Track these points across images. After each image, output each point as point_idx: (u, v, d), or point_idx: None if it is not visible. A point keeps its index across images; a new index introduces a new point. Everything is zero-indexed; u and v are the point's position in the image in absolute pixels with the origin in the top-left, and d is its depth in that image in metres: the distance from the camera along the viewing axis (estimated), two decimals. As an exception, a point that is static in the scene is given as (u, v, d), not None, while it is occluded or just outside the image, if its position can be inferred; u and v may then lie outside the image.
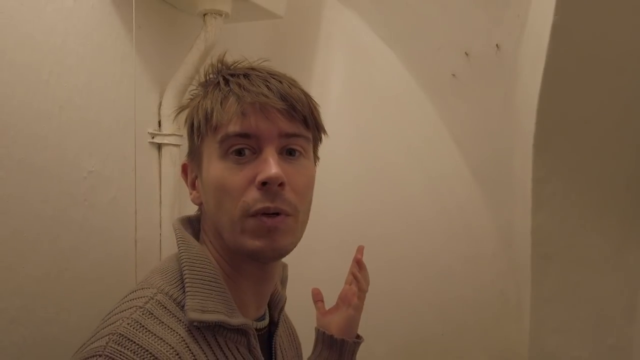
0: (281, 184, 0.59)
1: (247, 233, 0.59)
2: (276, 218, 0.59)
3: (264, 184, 0.58)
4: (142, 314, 0.54)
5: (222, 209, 0.59)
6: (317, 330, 0.86)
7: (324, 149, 1.26)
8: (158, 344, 0.53)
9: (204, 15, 0.94)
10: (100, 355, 0.50)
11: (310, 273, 1.28)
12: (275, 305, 0.72)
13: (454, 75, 1.18)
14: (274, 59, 1.28)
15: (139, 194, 0.88)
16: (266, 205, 0.58)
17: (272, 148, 0.60)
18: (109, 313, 0.57)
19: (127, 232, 0.86)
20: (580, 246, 1.00)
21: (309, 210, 0.64)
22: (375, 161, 1.25)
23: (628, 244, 0.98)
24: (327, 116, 1.27)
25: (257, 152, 0.60)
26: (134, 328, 0.53)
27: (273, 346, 0.69)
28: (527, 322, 1.06)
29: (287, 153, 0.62)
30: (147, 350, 0.51)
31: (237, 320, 0.59)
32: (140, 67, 0.90)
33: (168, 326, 0.55)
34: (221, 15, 0.95)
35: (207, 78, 0.65)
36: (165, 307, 0.56)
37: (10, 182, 0.68)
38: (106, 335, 0.52)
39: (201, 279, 0.59)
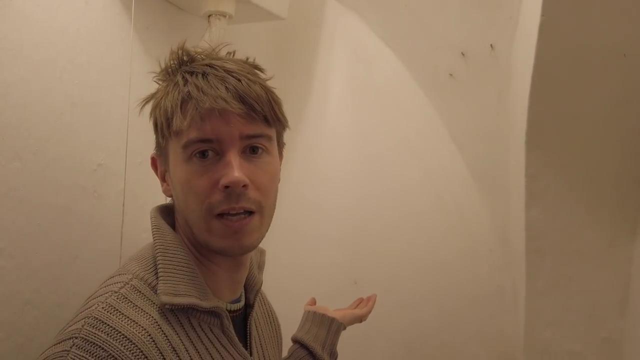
0: (244, 186, 0.61)
1: (213, 233, 0.62)
2: (242, 220, 0.62)
3: (227, 187, 0.60)
4: (117, 299, 0.58)
5: (189, 207, 0.62)
6: (308, 311, 0.92)
7: (325, 150, 1.29)
8: (131, 326, 0.56)
9: (209, 16, 0.98)
10: (76, 338, 0.54)
11: (309, 266, 1.31)
12: (250, 288, 0.75)
13: (451, 74, 1.20)
14: (276, 59, 1.34)
15: (146, 187, 0.92)
16: (231, 206, 0.61)
17: (234, 150, 0.61)
18: (88, 298, 0.60)
19: (134, 223, 0.90)
20: (572, 240, 1.02)
21: (274, 203, 0.67)
22: (375, 157, 1.28)
23: (620, 237, 0.99)
24: (329, 114, 1.33)
25: (220, 153, 0.62)
26: (107, 311, 0.56)
27: (248, 327, 0.72)
28: (522, 316, 1.08)
29: (250, 151, 0.63)
30: (119, 332, 0.55)
31: (208, 303, 0.62)
32: (148, 65, 0.94)
33: (142, 309, 0.58)
34: (225, 16, 0.99)
35: (169, 68, 0.66)
36: (140, 292, 0.59)
37: (25, 173, 0.73)
38: (82, 319, 0.56)
39: (173, 265, 0.62)
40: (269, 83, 0.68)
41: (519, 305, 1.11)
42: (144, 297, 0.59)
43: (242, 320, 0.72)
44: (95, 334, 0.54)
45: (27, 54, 0.73)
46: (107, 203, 0.85)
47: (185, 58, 0.65)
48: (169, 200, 0.70)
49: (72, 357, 0.53)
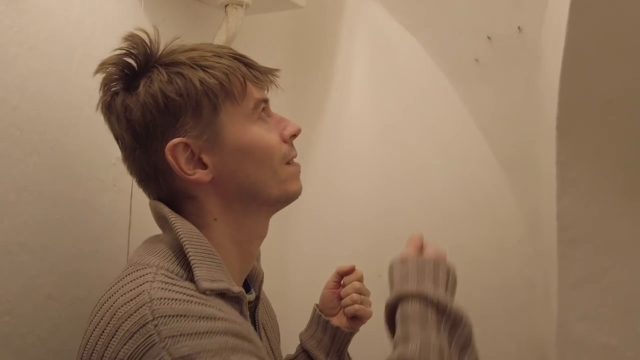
0: None
1: (289, 179, 0.69)
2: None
3: (294, 135, 0.70)
4: (161, 284, 0.55)
5: (263, 166, 0.66)
6: (315, 310, 0.87)
7: (348, 138, 1.28)
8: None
9: (226, 6, 0.97)
10: (152, 282, 0.55)
11: (332, 257, 1.29)
12: (254, 280, 0.75)
13: (476, 60, 1.16)
14: (295, 49, 1.32)
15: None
16: (295, 152, 0.71)
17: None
18: (103, 302, 0.57)
19: (148, 215, 0.90)
20: (607, 230, 0.97)
21: None
22: (400, 150, 1.25)
23: (657, 227, 0.95)
24: (351, 104, 1.30)
25: (267, 114, 0.70)
26: (167, 289, 0.55)
27: (257, 318, 0.73)
28: (554, 309, 1.05)
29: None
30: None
31: (236, 288, 0.62)
32: (165, 58, 0.93)
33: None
34: (242, 6, 0.97)
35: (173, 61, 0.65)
36: (174, 280, 0.57)
37: (44, 167, 0.73)
38: (140, 307, 0.53)
39: (203, 252, 0.61)
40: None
41: (551, 299, 1.07)
42: (179, 285, 0.57)
43: (251, 313, 0.72)
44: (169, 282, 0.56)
45: (42, 47, 0.73)
46: (126, 197, 0.85)
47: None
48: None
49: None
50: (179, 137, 0.62)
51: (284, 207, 0.71)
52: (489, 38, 1.14)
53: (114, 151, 0.83)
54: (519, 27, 1.10)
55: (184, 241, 0.60)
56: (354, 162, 1.29)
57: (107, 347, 0.53)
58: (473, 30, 1.16)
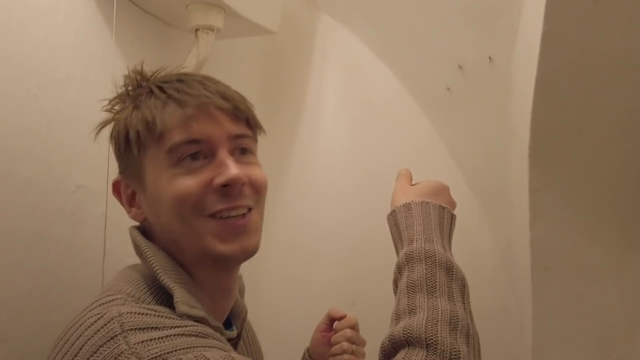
0: (243, 184, 0.59)
1: (212, 237, 0.58)
2: (242, 219, 0.59)
3: (224, 186, 0.58)
4: (131, 308, 0.51)
5: (181, 218, 0.58)
6: (305, 355, 0.84)
7: (320, 162, 1.26)
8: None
9: (196, 30, 0.94)
10: (122, 305, 0.51)
11: (306, 285, 1.26)
12: (237, 316, 0.70)
13: (448, 88, 1.17)
14: (267, 75, 1.31)
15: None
16: (230, 204, 0.58)
17: (224, 151, 0.59)
18: (68, 330, 0.52)
19: (117, 248, 0.85)
20: (580, 258, 0.98)
21: (264, 208, 0.65)
22: (371, 175, 1.24)
23: (629, 254, 0.96)
24: (323, 131, 1.29)
25: (209, 156, 0.59)
26: (137, 309, 0.51)
27: None
28: (529, 337, 1.03)
29: (240, 152, 0.62)
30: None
31: (214, 322, 0.57)
32: (131, 82, 0.90)
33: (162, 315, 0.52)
34: (213, 30, 0.95)
35: (128, 90, 0.64)
36: (144, 304, 0.54)
37: (-5, 197, 0.68)
38: (107, 322, 0.49)
39: (178, 280, 0.57)
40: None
41: (525, 326, 1.06)
42: (151, 307, 0.53)
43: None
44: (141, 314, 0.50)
45: (-2, 69, 0.69)
46: (87, 227, 0.80)
47: (141, 80, 0.64)
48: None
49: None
50: (120, 174, 0.64)
51: (224, 267, 0.61)
52: (460, 67, 1.15)
53: (75, 179, 0.79)
54: (489, 57, 1.11)
55: (156, 269, 0.56)
56: (326, 189, 1.27)
57: None
58: (444, 59, 1.17)
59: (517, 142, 1.02)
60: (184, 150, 0.58)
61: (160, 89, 0.60)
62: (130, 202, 0.63)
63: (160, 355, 0.46)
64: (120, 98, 0.64)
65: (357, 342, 0.77)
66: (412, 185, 0.69)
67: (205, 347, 0.48)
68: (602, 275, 0.97)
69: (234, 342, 0.67)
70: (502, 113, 1.14)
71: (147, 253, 0.58)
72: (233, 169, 0.58)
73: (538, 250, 0.99)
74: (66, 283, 0.77)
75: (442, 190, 0.67)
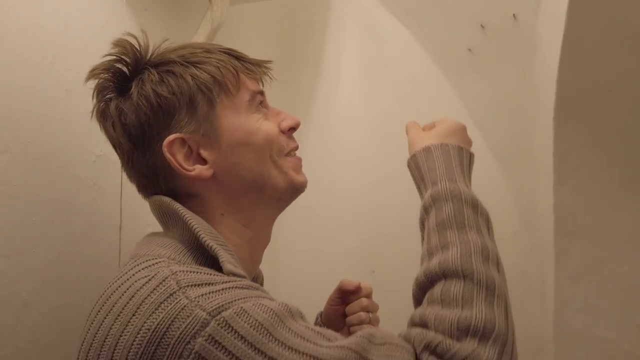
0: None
1: (294, 170, 0.67)
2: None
3: (292, 128, 0.69)
4: (181, 267, 0.52)
5: (264, 156, 0.64)
6: (317, 320, 0.84)
7: (338, 131, 1.25)
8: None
9: (210, -5, 0.93)
10: (168, 266, 0.52)
11: (324, 253, 1.27)
12: (256, 281, 0.73)
13: (470, 49, 1.13)
14: (282, 40, 1.28)
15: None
16: (296, 145, 0.69)
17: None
18: (110, 290, 0.53)
19: (136, 216, 0.86)
20: (604, 222, 0.96)
21: None
22: (391, 143, 1.21)
23: (656, 218, 0.94)
24: (340, 96, 1.27)
25: (264, 107, 0.68)
26: (188, 270, 0.52)
27: None
28: (551, 303, 1.03)
29: None
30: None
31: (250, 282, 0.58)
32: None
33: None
34: (227, -6, 0.93)
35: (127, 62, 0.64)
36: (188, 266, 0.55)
37: (16, 166, 0.68)
38: (161, 282, 0.50)
39: (219, 243, 0.58)
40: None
41: (547, 292, 1.06)
42: (198, 268, 0.54)
43: None
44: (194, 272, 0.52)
45: (12, 40, 0.68)
46: (108, 196, 0.81)
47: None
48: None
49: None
50: (181, 133, 0.62)
51: (290, 201, 0.69)
52: (482, 27, 1.11)
53: (94, 149, 0.79)
54: (514, 15, 1.07)
55: (198, 231, 0.57)
56: (344, 155, 1.26)
57: (127, 325, 0.49)
58: (466, 19, 1.12)
59: (541, 104, 0.99)
60: (259, 99, 0.67)
61: (207, 51, 0.64)
62: (195, 159, 0.62)
63: (223, 305, 0.48)
64: (122, 62, 0.64)
65: (372, 310, 0.79)
66: (427, 127, 0.74)
67: (259, 297, 0.51)
68: (626, 240, 0.95)
69: None
70: (526, 74, 1.10)
71: (186, 217, 0.59)
72: (294, 116, 0.69)
73: (562, 215, 0.97)
74: (90, 251, 0.78)
75: (458, 131, 0.71)
